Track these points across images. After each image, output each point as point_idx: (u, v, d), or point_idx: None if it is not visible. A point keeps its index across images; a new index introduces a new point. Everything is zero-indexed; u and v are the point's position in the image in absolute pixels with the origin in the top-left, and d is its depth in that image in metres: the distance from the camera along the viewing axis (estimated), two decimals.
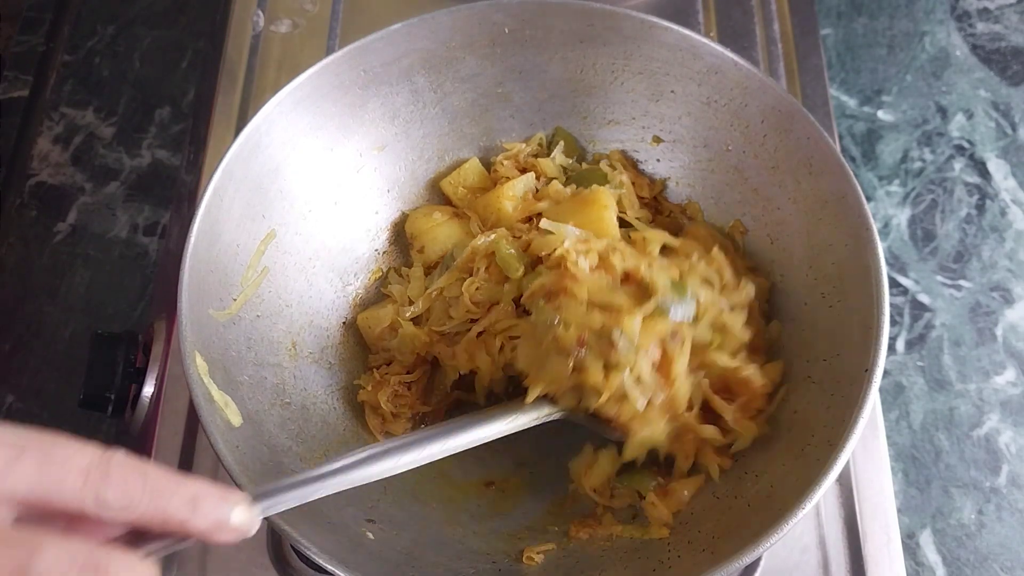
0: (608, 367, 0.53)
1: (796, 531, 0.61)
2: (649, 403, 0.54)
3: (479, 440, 0.52)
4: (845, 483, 0.65)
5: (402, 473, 0.62)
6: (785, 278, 0.62)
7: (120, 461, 0.36)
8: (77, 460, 0.35)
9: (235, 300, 0.60)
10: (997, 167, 0.83)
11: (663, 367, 0.54)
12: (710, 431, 0.56)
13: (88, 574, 0.33)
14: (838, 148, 0.66)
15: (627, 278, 0.56)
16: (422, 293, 0.65)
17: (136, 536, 0.37)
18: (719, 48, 0.62)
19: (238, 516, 0.38)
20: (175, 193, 0.81)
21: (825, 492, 0.50)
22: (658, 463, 0.60)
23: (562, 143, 0.69)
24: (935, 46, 0.90)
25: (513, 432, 0.54)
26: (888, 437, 0.69)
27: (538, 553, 0.57)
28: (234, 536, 0.39)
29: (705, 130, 0.65)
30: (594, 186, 0.64)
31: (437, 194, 0.71)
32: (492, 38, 0.66)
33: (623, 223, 0.65)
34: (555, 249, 0.58)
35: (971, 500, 0.69)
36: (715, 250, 0.60)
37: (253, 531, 0.40)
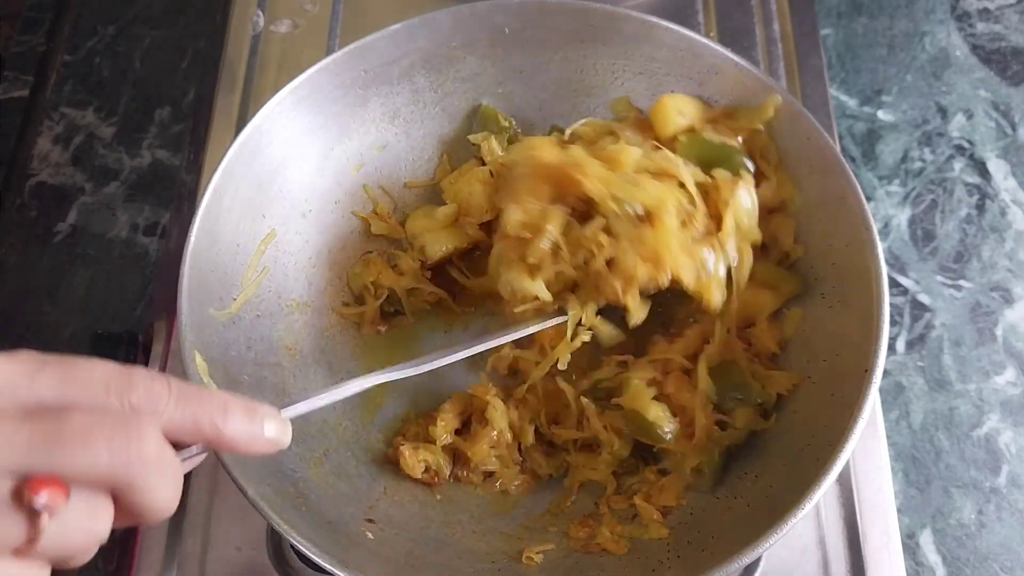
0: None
1: (796, 531, 0.61)
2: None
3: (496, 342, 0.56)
4: (845, 483, 0.65)
5: (402, 473, 0.62)
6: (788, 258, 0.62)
7: (142, 371, 0.35)
8: (99, 370, 0.34)
9: (235, 300, 0.60)
10: (997, 167, 0.83)
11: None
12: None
13: (119, 430, 0.33)
14: (838, 148, 0.66)
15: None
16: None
17: None
18: (719, 48, 0.62)
19: (271, 427, 0.38)
20: (175, 193, 0.81)
21: (825, 492, 0.50)
22: (648, 459, 0.60)
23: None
24: (935, 46, 0.90)
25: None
26: (888, 437, 0.69)
27: (537, 553, 0.57)
28: (269, 448, 0.38)
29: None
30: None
31: (437, 194, 0.71)
32: (492, 38, 0.66)
33: None
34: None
35: (971, 500, 0.69)
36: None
37: (287, 442, 0.39)
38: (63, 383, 0.34)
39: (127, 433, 0.33)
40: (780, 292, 0.61)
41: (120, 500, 0.34)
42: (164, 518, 0.35)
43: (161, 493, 0.34)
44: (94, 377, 0.34)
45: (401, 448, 0.61)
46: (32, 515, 0.31)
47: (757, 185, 0.59)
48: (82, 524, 0.33)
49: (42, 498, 0.31)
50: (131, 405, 0.34)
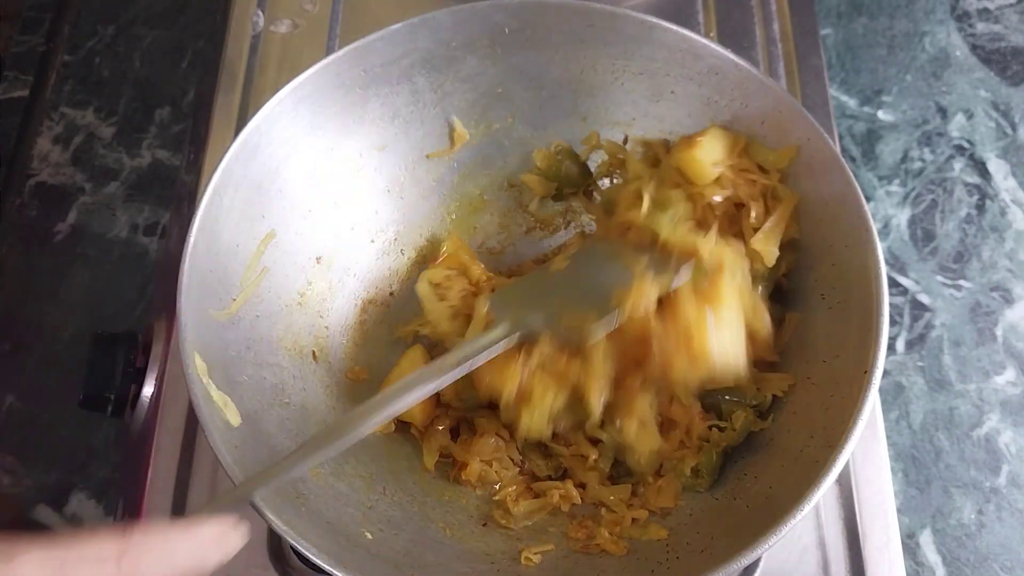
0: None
1: (796, 531, 0.61)
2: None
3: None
4: (845, 483, 0.65)
5: (403, 473, 0.62)
6: (784, 278, 0.62)
7: (137, 541, 0.38)
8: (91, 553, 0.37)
9: (235, 300, 0.60)
10: (997, 167, 0.83)
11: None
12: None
13: None
14: (838, 148, 0.66)
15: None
16: None
17: None
18: (719, 48, 0.62)
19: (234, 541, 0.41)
20: (175, 193, 0.81)
21: (825, 493, 0.50)
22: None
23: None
24: (935, 46, 0.90)
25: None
26: (888, 437, 0.69)
27: (536, 554, 0.57)
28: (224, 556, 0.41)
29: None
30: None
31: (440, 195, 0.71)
32: (492, 38, 0.66)
33: None
34: None
35: (971, 500, 0.69)
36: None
37: (236, 546, 0.42)
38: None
39: None
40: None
41: None
42: None
43: None
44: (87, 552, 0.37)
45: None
46: None
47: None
48: None
49: None
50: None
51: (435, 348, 0.67)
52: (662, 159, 0.65)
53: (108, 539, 0.37)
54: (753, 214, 0.61)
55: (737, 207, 0.62)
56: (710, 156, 0.61)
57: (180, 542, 0.39)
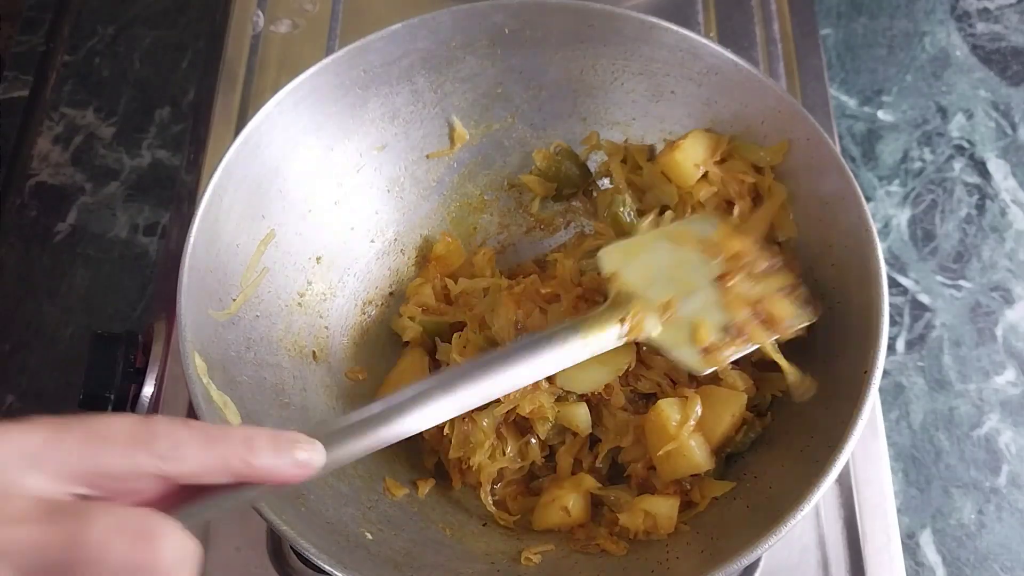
0: None
1: (796, 531, 0.61)
2: None
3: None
4: (845, 483, 0.65)
5: (403, 475, 0.62)
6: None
7: (162, 419, 0.35)
8: (119, 425, 0.35)
9: (235, 300, 0.60)
10: (997, 167, 0.83)
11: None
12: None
13: (138, 541, 0.33)
14: (838, 148, 0.66)
15: None
16: None
17: (182, 498, 0.37)
18: (719, 48, 0.62)
19: (302, 453, 0.38)
20: (175, 193, 0.81)
21: (825, 492, 0.50)
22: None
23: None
24: (935, 46, 0.90)
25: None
26: (888, 437, 0.69)
27: (536, 554, 0.57)
28: (302, 474, 0.38)
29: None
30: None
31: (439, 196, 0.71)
32: (492, 38, 0.66)
33: None
34: None
35: (971, 500, 0.69)
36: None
37: (320, 463, 0.39)
38: (88, 441, 0.34)
39: (149, 543, 0.33)
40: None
41: None
42: None
43: None
44: (117, 434, 0.34)
45: None
46: None
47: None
48: None
49: None
50: (160, 456, 0.34)
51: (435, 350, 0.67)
52: (642, 165, 0.67)
53: (130, 416, 0.35)
54: (737, 211, 0.62)
55: (729, 204, 0.62)
56: (692, 158, 0.63)
57: (225, 432, 0.36)
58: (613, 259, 0.59)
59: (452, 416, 0.49)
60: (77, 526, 0.32)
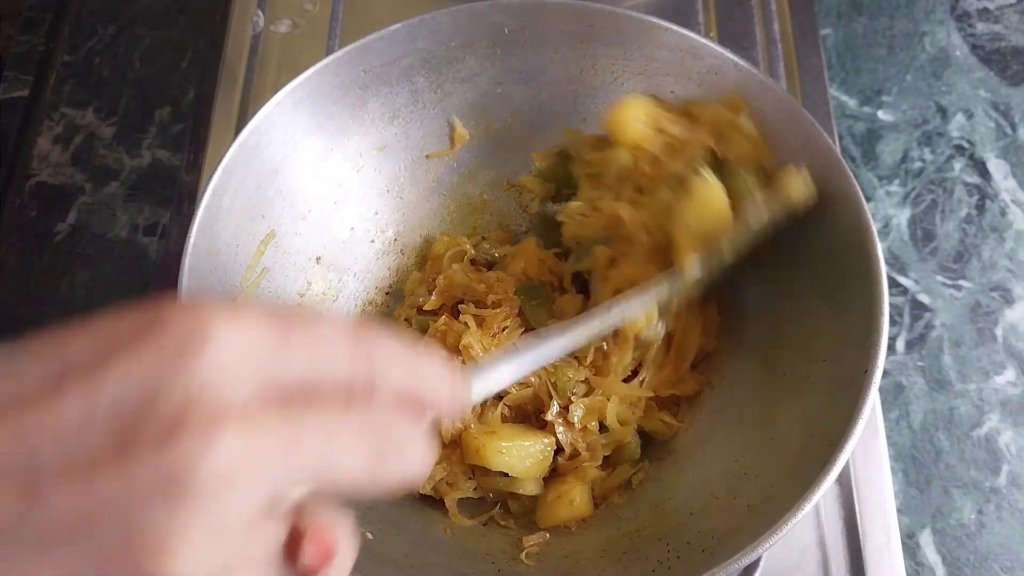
0: None
1: (796, 531, 0.61)
2: None
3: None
4: (845, 483, 0.65)
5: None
6: (785, 278, 0.62)
7: (368, 328, 0.30)
8: (340, 332, 0.29)
9: (235, 300, 0.60)
10: (997, 167, 0.83)
11: None
12: None
13: (418, 443, 0.30)
14: (838, 148, 0.66)
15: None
16: None
17: None
18: (719, 48, 0.62)
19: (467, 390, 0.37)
20: (175, 193, 0.81)
21: (825, 492, 0.50)
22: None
23: None
24: (935, 46, 0.90)
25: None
26: (888, 437, 0.69)
27: (532, 545, 0.57)
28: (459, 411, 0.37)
29: None
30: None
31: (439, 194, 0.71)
32: (492, 38, 0.66)
33: None
34: None
35: (971, 500, 0.69)
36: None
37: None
38: (311, 355, 0.28)
39: (422, 448, 0.30)
40: None
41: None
42: None
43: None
44: (339, 346, 0.29)
45: None
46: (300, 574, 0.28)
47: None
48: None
49: (314, 553, 0.28)
50: (376, 373, 0.29)
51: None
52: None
53: (344, 326, 0.29)
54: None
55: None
56: (635, 113, 0.61)
57: (423, 360, 0.31)
58: None
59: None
60: (327, 429, 0.27)
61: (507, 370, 0.46)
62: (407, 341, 0.31)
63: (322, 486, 0.28)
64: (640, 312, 0.58)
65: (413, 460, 0.29)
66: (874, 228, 0.55)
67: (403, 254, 0.71)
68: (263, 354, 0.27)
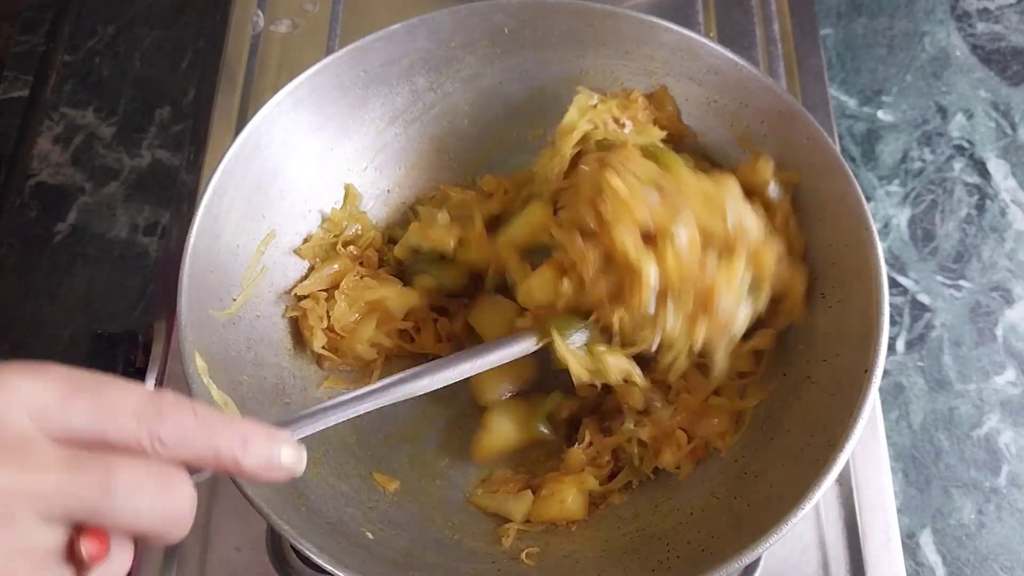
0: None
1: (796, 531, 0.61)
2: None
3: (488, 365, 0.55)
4: (845, 483, 0.65)
5: (403, 473, 0.62)
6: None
7: (171, 400, 0.36)
8: (130, 399, 0.35)
9: (235, 300, 0.60)
10: (997, 167, 0.83)
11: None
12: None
13: (162, 486, 0.34)
14: (838, 148, 0.66)
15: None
16: None
17: None
18: (719, 48, 0.62)
19: (287, 454, 0.39)
20: (175, 193, 0.81)
21: (825, 492, 0.50)
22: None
23: None
24: (935, 46, 0.90)
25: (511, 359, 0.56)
26: (888, 437, 0.69)
27: (515, 532, 0.58)
28: (284, 475, 0.39)
29: (705, 131, 0.65)
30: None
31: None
32: (492, 38, 0.66)
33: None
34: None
35: (971, 500, 0.69)
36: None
37: (302, 468, 0.40)
38: (95, 411, 0.34)
39: (171, 491, 0.35)
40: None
41: (142, 542, 0.36)
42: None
43: (182, 534, 0.36)
44: (126, 406, 0.35)
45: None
46: (80, 567, 0.33)
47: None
48: (113, 570, 0.35)
49: (92, 549, 0.33)
50: (160, 441, 0.35)
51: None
52: None
53: (140, 390, 0.35)
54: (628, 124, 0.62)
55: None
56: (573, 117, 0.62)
57: (225, 426, 0.37)
58: None
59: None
60: (105, 472, 0.33)
61: (334, 417, 0.48)
62: (204, 408, 0.36)
63: (95, 514, 0.33)
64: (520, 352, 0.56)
65: (177, 505, 0.35)
66: (874, 228, 0.55)
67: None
68: (49, 404, 0.33)
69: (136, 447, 0.34)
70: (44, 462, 0.32)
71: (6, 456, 0.32)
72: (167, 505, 0.35)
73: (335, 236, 0.66)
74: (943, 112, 0.86)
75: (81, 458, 0.33)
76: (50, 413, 0.33)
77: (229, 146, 0.60)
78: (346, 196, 0.67)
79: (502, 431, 0.62)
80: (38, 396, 0.33)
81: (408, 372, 0.53)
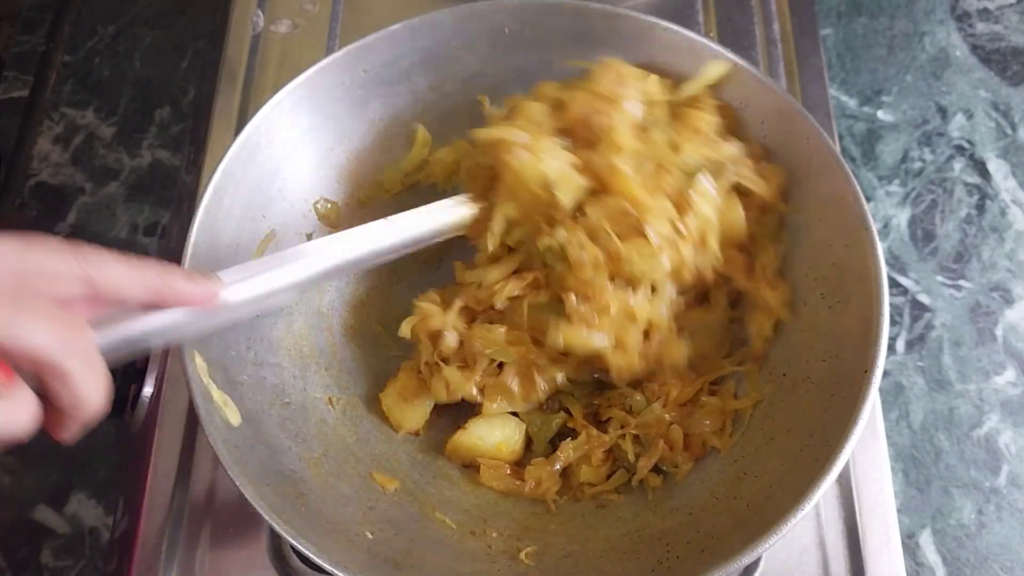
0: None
1: (796, 531, 0.61)
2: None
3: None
4: (845, 483, 0.65)
5: (403, 473, 0.62)
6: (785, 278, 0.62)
7: (94, 247, 0.42)
8: (52, 239, 0.41)
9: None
10: (997, 167, 0.83)
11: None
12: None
13: (65, 327, 0.39)
14: (838, 148, 0.66)
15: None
16: None
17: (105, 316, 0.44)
18: (719, 48, 0.62)
19: (209, 280, 0.47)
20: (175, 193, 0.81)
21: (825, 492, 0.50)
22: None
23: None
24: (935, 46, 0.90)
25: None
26: (888, 437, 0.69)
27: (529, 547, 0.57)
28: (209, 299, 0.47)
29: None
30: None
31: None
32: (492, 38, 0.66)
33: None
34: None
35: (971, 500, 0.69)
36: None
37: (220, 293, 0.47)
38: (24, 246, 0.40)
39: (72, 324, 0.39)
40: None
41: (54, 393, 0.39)
42: (92, 416, 0.41)
43: (92, 385, 0.40)
44: (50, 242, 0.40)
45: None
46: None
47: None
48: (16, 410, 0.39)
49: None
50: (87, 262, 0.41)
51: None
52: None
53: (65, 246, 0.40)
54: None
55: None
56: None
57: (151, 263, 0.43)
58: None
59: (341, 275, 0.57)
60: (12, 310, 0.37)
61: (265, 279, 0.51)
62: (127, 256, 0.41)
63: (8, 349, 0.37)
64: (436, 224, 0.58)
65: (79, 339, 0.40)
66: (874, 228, 0.55)
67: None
68: None
69: (67, 271, 0.40)
70: None
71: None
72: (70, 337, 0.38)
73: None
74: (943, 112, 0.86)
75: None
76: None
77: (229, 146, 0.60)
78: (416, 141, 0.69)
79: (479, 434, 0.62)
80: None
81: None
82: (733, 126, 0.63)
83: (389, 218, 0.57)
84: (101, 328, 0.43)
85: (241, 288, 0.50)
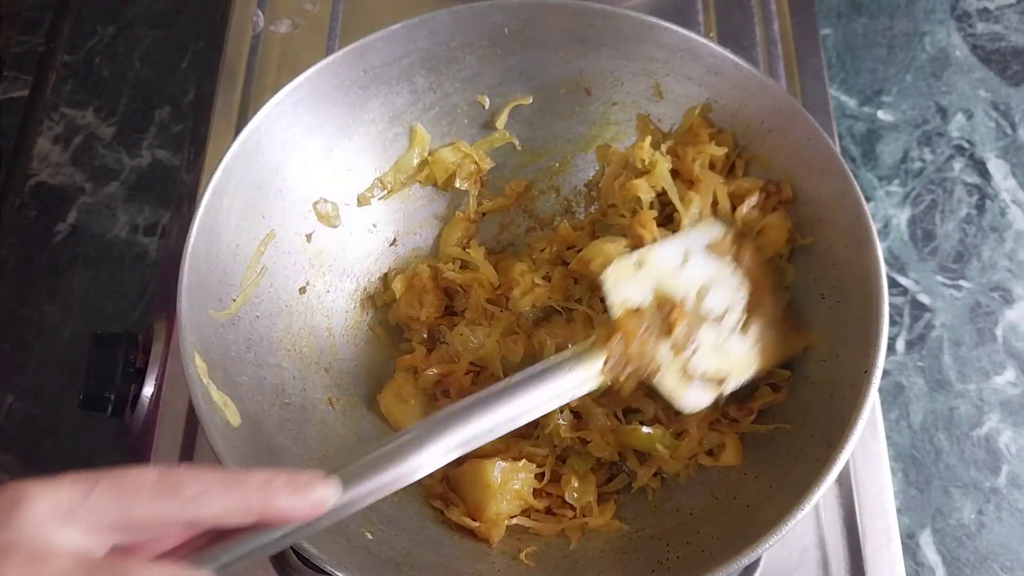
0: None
1: (796, 531, 0.61)
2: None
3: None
4: (845, 483, 0.65)
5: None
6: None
7: (185, 466, 0.38)
8: (149, 475, 0.36)
9: (235, 300, 0.60)
10: (997, 167, 0.83)
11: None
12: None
13: None
14: (838, 148, 0.66)
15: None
16: None
17: (207, 543, 0.39)
18: (719, 49, 0.62)
19: (319, 489, 0.40)
20: (175, 193, 0.81)
21: (825, 492, 0.50)
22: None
23: None
24: (935, 46, 0.90)
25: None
26: (888, 437, 0.69)
27: (530, 547, 0.57)
28: (318, 511, 0.40)
29: None
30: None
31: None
32: (492, 38, 0.66)
33: None
34: None
35: (971, 500, 0.69)
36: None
37: (334, 499, 0.41)
38: (119, 494, 0.36)
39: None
40: None
41: None
42: None
43: None
44: (144, 484, 0.36)
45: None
46: None
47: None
48: None
49: None
50: (187, 499, 0.36)
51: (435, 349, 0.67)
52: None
53: (154, 468, 0.37)
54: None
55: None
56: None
57: (244, 475, 0.38)
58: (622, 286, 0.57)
59: (462, 453, 0.48)
60: (123, 572, 0.34)
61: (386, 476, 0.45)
62: (220, 471, 0.37)
63: None
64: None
65: None
66: (874, 228, 0.55)
67: (402, 254, 0.71)
68: (74, 502, 0.35)
69: (165, 516, 0.36)
70: (61, 570, 0.33)
71: (26, 568, 0.33)
72: None
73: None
74: (943, 112, 0.86)
75: (96, 567, 0.34)
76: (77, 510, 0.35)
77: (229, 146, 0.60)
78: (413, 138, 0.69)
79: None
80: (61, 499, 0.35)
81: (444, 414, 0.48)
82: (731, 154, 0.63)
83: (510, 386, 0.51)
84: (205, 561, 0.38)
85: (356, 490, 0.43)
